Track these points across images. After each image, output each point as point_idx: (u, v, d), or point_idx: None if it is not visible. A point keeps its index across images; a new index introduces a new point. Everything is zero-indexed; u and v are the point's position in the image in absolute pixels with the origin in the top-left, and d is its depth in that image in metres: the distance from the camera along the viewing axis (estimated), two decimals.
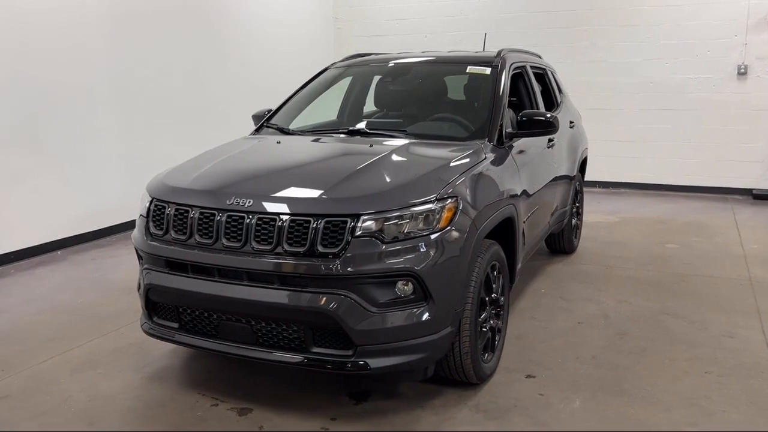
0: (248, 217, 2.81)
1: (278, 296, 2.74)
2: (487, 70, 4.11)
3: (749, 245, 5.98)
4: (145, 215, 3.14)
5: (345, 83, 4.66)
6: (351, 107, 4.68)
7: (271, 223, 2.78)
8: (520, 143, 3.93)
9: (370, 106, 4.62)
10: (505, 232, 3.55)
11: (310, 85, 4.53)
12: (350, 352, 2.75)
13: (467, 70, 4.19)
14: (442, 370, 3.16)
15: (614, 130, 8.89)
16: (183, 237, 2.96)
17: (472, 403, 3.14)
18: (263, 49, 8.66)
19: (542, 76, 5.34)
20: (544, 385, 3.32)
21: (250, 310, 2.82)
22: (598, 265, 5.45)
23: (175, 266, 2.99)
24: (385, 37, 10.05)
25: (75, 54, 5.92)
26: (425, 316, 2.79)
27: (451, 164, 3.17)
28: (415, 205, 2.79)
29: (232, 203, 2.87)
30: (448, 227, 2.84)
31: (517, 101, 4.65)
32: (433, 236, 2.79)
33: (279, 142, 3.76)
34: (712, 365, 3.52)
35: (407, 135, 3.74)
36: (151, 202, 3.14)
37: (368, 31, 10.23)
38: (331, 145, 3.77)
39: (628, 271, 5.27)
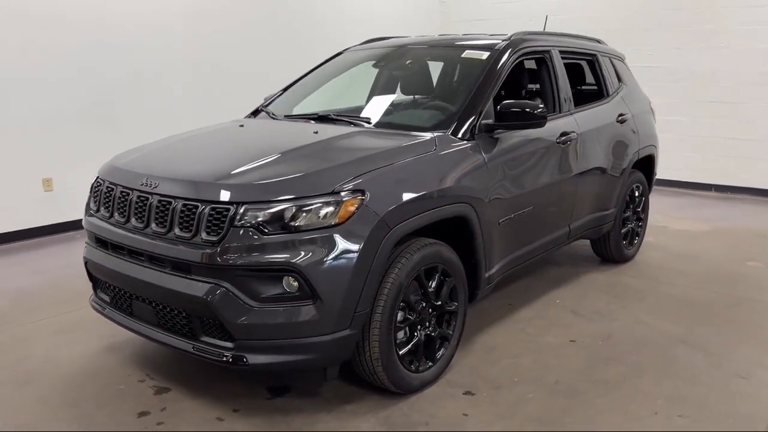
0: (151, 199, 2.83)
1: (169, 281, 2.72)
2: (484, 55, 3.75)
3: None
4: (89, 192, 3.29)
5: (359, 69, 4.50)
6: (371, 93, 4.53)
7: (167, 206, 2.76)
8: (512, 136, 3.55)
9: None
10: (463, 232, 3.24)
11: (320, 69, 4.44)
12: (231, 345, 2.67)
13: (463, 55, 3.85)
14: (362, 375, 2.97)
15: (736, 127, 7.76)
16: (107, 215, 3.05)
17: (384, 414, 2.91)
18: (366, 33, 8.65)
19: (591, 63, 4.79)
20: (476, 405, 2.99)
21: (150, 292, 2.84)
22: (646, 278, 4.80)
23: (100, 243, 3.09)
24: (488, 21, 9.62)
25: (155, 46, 6.35)
26: (311, 315, 2.62)
27: (374, 156, 2.92)
28: (305, 197, 2.62)
29: (144, 184, 2.89)
30: (346, 223, 2.63)
31: (538, 90, 4.22)
32: (325, 232, 2.60)
33: (242, 126, 3.72)
34: (694, 408, 2.95)
35: (372, 123, 3.52)
36: (96, 179, 3.27)
37: (473, 14, 9.86)
38: (277, 131, 3.65)
39: (677, 288, 4.58)
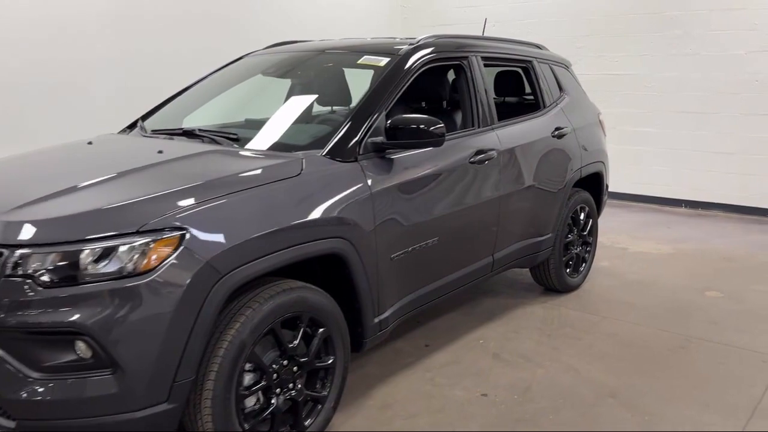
0: None
1: None
2: (383, 61, 3.23)
3: None
4: None
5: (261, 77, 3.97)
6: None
7: None
8: (410, 156, 3.03)
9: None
10: (341, 272, 2.72)
11: (212, 77, 3.90)
12: (12, 425, 2.13)
13: (359, 61, 3.33)
14: None
15: (708, 139, 7.24)
16: None
17: None
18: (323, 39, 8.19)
19: (526, 70, 4.27)
20: None
21: None
22: (589, 312, 4.27)
23: None
24: (453, 26, 9.10)
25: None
26: (111, 388, 2.08)
27: (209, 184, 2.39)
28: (100, 238, 2.08)
29: None
30: (157, 270, 2.10)
31: (454, 101, 3.71)
32: (126, 282, 2.07)
33: (90, 143, 3.17)
34: None
35: (239, 141, 2.98)
36: None
37: (436, 20, 9.35)
38: (121, 150, 3.10)
39: (621, 325, 4.05)
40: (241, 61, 3.94)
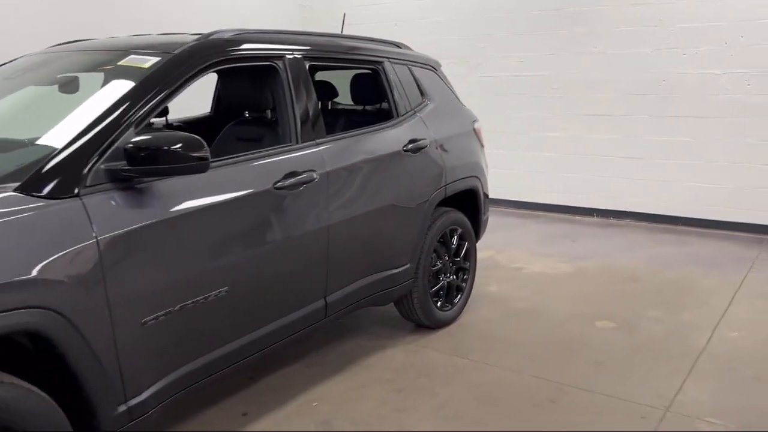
0: None
1: None
2: (148, 62, 2.51)
3: (728, 332, 3.89)
4: None
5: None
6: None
7: None
8: (176, 185, 2.32)
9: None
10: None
11: None
12: None
13: (121, 62, 2.60)
14: None
15: (617, 143, 6.76)
16: None
17: None
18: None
19: (375, 73, 3.62)
20: None
21: None
22: (457, 355, 3.64)
23: None
24: (356, 26, 8.44)
25: None
26: None
27: None
28: None
29: None
30: None
31: (270, 111, 3.03)
32: None
33: None
34: None
35: None
36: None
37: (339, 20, 8.67)
38: None
39: (491, 372, 3.43)
40: (9, 64, 3.17)
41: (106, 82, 2.52)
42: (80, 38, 3.38)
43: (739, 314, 4.16)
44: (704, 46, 6.13)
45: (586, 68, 6.77)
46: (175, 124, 3.79)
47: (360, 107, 4.08)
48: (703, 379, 3.30)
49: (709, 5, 6.03)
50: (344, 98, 4.22)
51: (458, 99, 4.24)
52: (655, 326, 3.99)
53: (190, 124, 3.99)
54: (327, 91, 4.15)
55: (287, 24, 8.68)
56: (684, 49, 6.23)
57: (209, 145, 2.31)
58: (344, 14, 4.37)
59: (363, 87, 3.78)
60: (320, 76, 4.33)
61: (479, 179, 4.13)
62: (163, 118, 3.66)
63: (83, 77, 2.81)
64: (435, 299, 3.88)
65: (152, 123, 3.56)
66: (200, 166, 2.22)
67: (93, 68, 2.80)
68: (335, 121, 4.01)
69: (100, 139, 2.17)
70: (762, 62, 5.87)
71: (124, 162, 2.18)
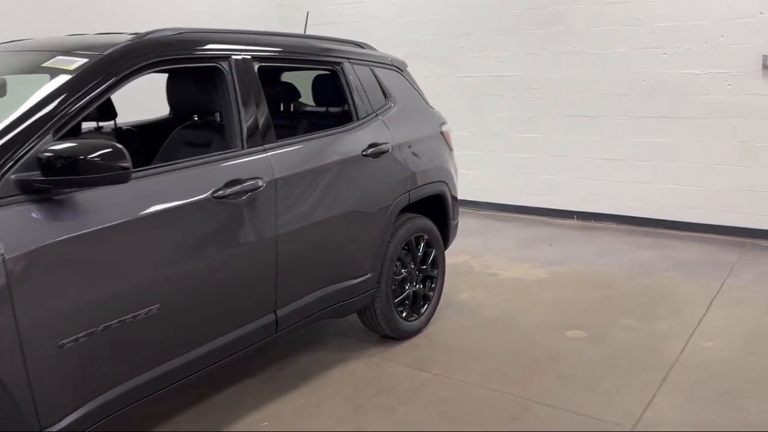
0: None
1: None
2: (74, 64, 2.34)
3: (702, 342, 3.75)
4: None
5: None
6: None
7: None
8: (97, 196, 2.16)
9: None
10: None
11: None
12: None
13: (46, 64, 2.44)
14: None
15: (597, 145, 6.63)
16: None
17: None
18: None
19: (334, 74, 3.46)
20: None
21: None
22: (421, 368, 3.49)
23: None
24: (333, 25, 8.29)
25: None
26: None
27: None
28: None
29: None
30: None
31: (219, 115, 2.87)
32: None
33: None
34: None
35: None
36: None
37: (318, 19, 8.49)
38: None
39: (455, 386, 3.29)
40: None
41: (29, 85, 2.35)
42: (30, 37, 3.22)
43: (715, 322, 4.03)
44: (684, 45, 6.00)
45: (565, 68, 6.64)
46: (125, 128, 3.63)
47: (323, 109, 3.93)
48: (674, 393, 3.16)
49: (689, 4, 5.91)
50: (310, 100, 4.08)
51: (426, 101, 4.09)
52: (627, 336, 3.85)
53: (144, 128, 3.83)
54: (289, 92, 3.99)
55: (264, 24, 8.52)
56: (664, 48, 6.10)
57: (158, 149, 2.16)
58: (307, 12, 4.20)
59: (323, 89, 3.64)
60: (286, 77, 4.19)
61: (447, 184, 3.98)
62: (112, 122, 3.49)
63: (11, 80, 2.63)
64: (400, 309, 3.73)
65: (101, 127, 3.41)
66: (120, 176, 2.06)
67: (21, 70, 2.63)
68: (297, 124, 3.85)
69: (10, 146, 2.01)
70: (742, 62, 5.75)
71: (39, 172, 2.01)
